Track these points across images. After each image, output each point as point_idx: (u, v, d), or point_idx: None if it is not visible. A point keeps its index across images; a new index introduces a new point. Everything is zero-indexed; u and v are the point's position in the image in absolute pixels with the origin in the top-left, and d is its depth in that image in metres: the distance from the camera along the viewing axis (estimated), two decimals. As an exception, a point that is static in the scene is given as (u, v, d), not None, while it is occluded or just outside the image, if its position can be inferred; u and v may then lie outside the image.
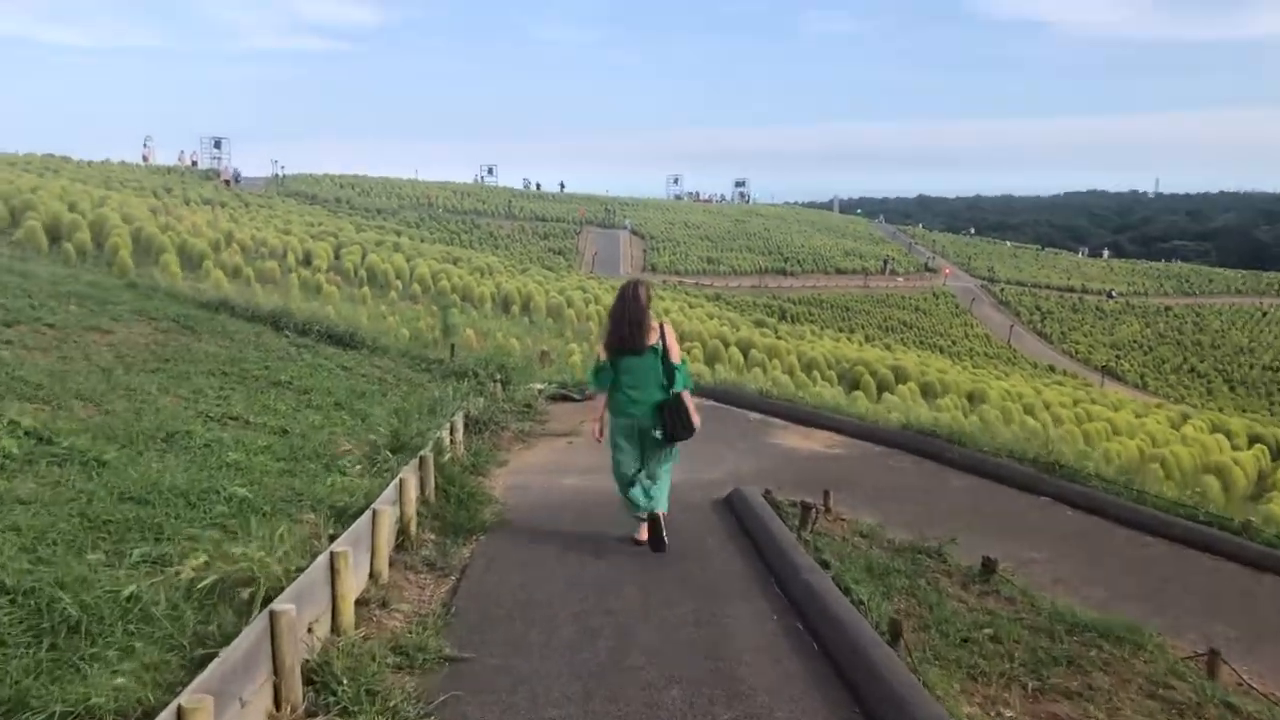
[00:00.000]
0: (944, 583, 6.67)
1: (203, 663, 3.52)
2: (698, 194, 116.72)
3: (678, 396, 6.52)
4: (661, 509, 6.66)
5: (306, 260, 29.57)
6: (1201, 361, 66.47)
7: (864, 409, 12.10)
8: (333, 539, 5.28)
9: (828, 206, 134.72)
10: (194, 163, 74.98)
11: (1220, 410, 43.93)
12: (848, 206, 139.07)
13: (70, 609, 3.79)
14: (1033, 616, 6.11)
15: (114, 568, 4.38)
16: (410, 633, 4.96)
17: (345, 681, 4.08)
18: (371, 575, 5.63)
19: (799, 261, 75.65)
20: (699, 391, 9.19)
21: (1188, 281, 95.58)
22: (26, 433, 6.04)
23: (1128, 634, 5.85)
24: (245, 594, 4.24)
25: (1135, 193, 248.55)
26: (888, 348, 42.64)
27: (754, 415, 11.61)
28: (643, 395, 6.54)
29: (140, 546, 4.67)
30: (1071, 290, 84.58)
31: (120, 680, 3.42)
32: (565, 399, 12.63)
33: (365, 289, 27.33)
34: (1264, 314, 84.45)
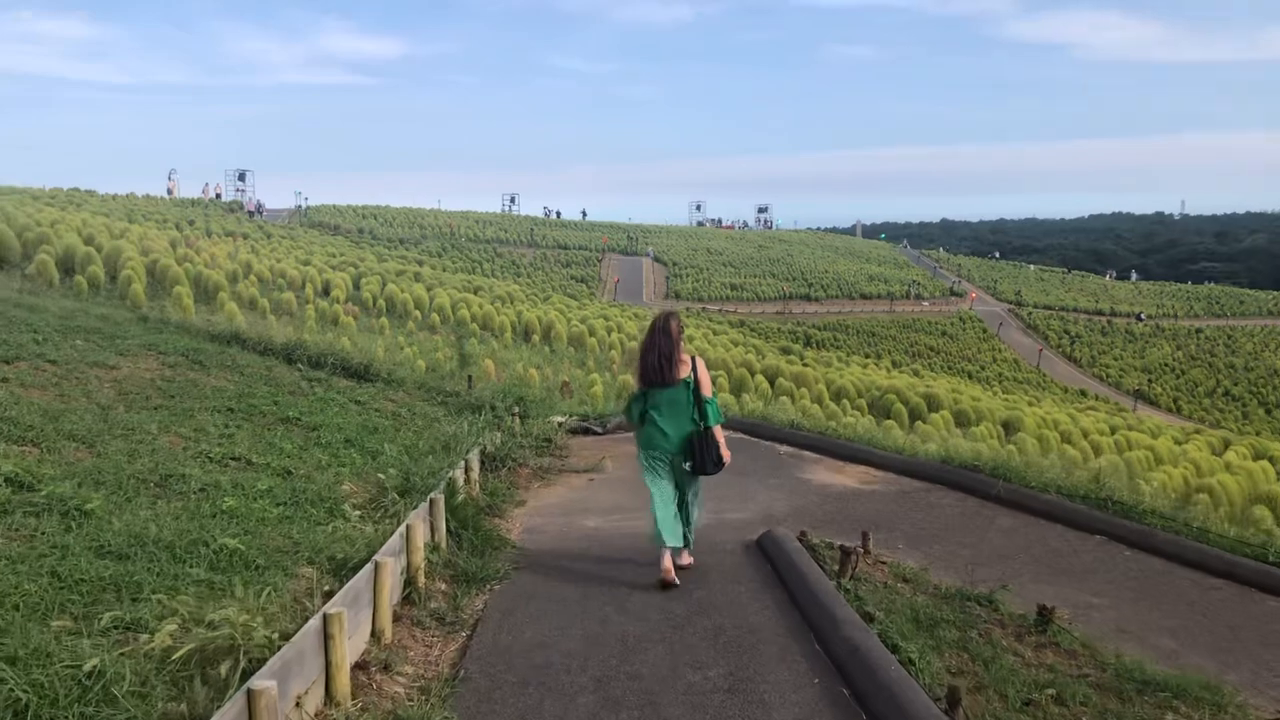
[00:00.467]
0: (997, 634, 6.12)
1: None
2: (720, 220, 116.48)
3: (708, 429, 6.52)
4: (690, 547, 6.74)
5: (325, 291, 29.29)
6: (1235, 385, 65.23)
7: (900, 441, 11.51)
8: (329, 596, 4.82)
9: (850, 231, 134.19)
10: (218, 195, 75.37)
11: (1258, 434, 42.91)
12: (870, 231, 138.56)
13: (19, 690, 3.33)
14: (1098, 673, 5.55)
15: (81, 636, 3.92)
16: (412, 701, 4.48)
17: (334, 768, 3.60)
18: (373, 634, 5.16)
19: (823, 287, 75.05)
20: (727, 423, 8.72)
21: (1218, 303, 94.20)
22: (6, 479, 5.61)
23: (1205, 693, 5.29)
24: (223, 668, 3.76)
25: (1160, 214, 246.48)
26: (916, 373, 41.94)
27: (784, 448, 11.09)
28: (673, 429, 6.55)
29: (113, 610, 4.21)
30: (1100, 313, 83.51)
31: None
32: (586, 432, 12.16)
33: (383, 319, 26.99)
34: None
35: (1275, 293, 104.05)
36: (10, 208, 27.68)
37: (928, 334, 67.29)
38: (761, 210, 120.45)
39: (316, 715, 4.10)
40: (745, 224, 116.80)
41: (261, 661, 3.81)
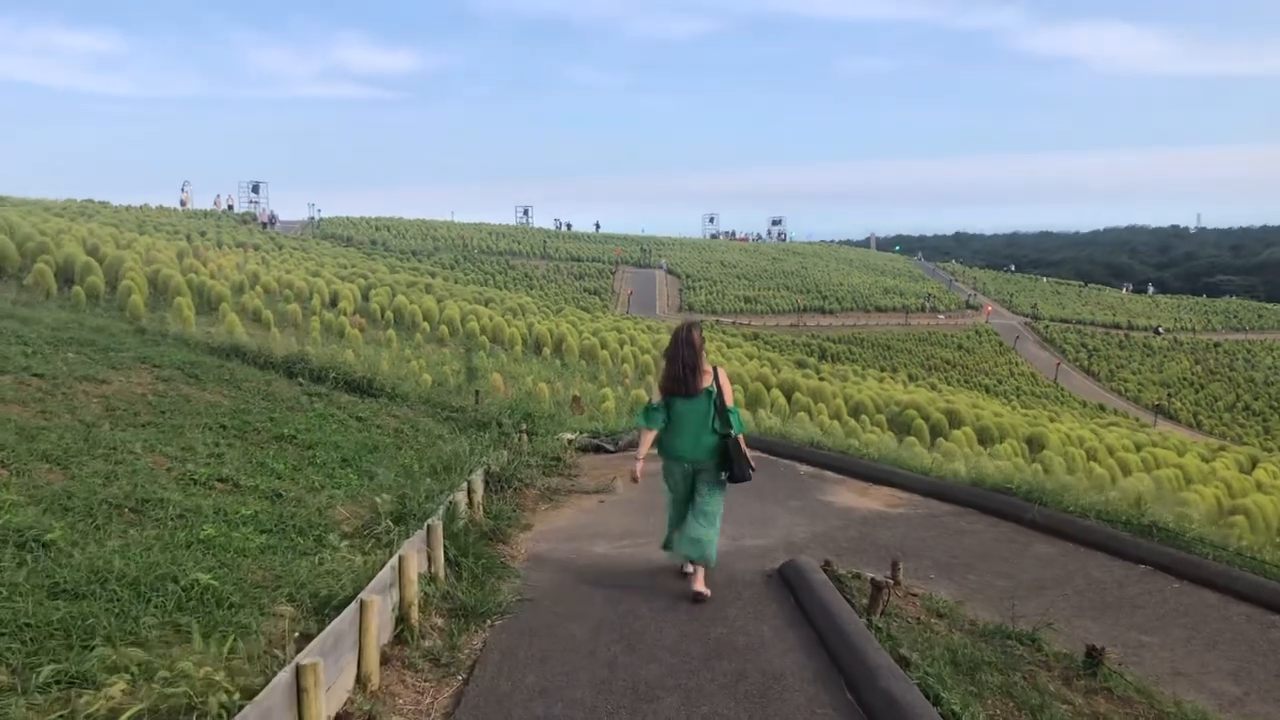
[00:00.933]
0: (1043, 678, 5.59)
1: None
2: (734, 233, 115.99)
3: (735, 439, 6.50)
4: (709, 555, 6.57)
5: (332, 302, 28.86)
6: (1256, 399, 64.37)
7: (925, 461, 10.98)
8: (307, 639, 4.33)
9: (864, 244, 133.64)
10: (230, 206, 75.33)
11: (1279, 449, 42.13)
12: (884, 244, 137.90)
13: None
14: (1159, 725, 5.03)
15: (15, 693, 3.44)
16: (397, 762, 3.99)
17: None
18: (359, 680, 4.66)
19: (838, 300, 74.45)
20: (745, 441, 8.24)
21: (1236, 317, 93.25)
22: (-39, 506, 5.16)
23: (1280, 749, 4.76)
24: (174, 734, 3.28)
25: (1176, 228, 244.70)
26: (933, 387, 41.31)
27: (804, 468, 10.57)
28: (694, 438, 6.52)
29: (58, 661, 3.73)
30: (1117, 327, 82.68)
31: None
32: (598, 450, 11.66)
33: (390, 331, 26.53)
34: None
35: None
36: (16, 218, 27.39)
37: (944, 347, 66.61)
38: (775, 222, 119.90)
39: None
40: (759, 236, 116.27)
41: (221, 725, 3.33)
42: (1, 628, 3.93)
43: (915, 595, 6.85)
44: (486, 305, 35.53)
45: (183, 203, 72.55)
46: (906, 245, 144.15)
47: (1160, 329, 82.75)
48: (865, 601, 6.41)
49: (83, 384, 9.54)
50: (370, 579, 5.13)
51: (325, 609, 4.84)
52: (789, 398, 27.21)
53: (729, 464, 6.49)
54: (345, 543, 5.86)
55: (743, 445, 6.58)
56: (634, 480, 6.77)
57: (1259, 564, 7.41)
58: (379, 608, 4.82)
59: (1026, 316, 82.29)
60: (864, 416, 25.66)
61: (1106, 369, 67.97)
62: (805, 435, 12.27)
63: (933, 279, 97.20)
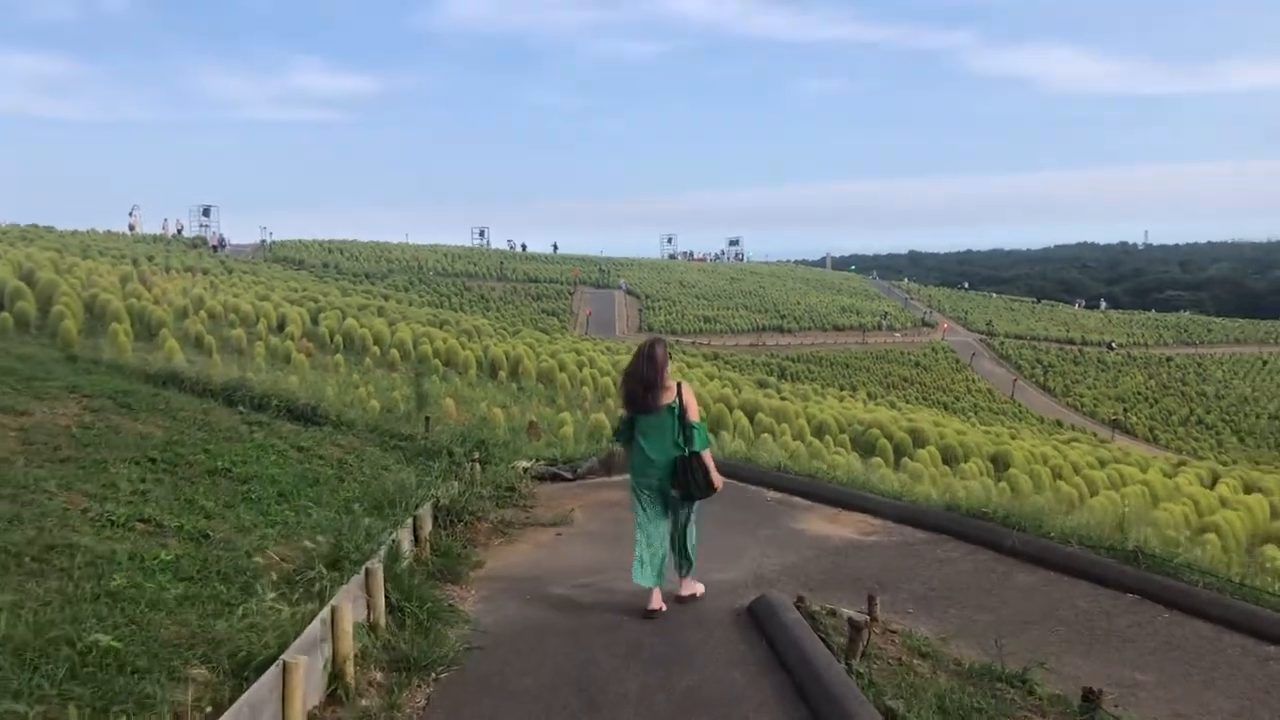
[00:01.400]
0: (1037, 724, 5.17)
1: None
2: (691, 253, 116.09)
3: (695, 454, 6.43)
4: (692, 573, 6.74)
5: (279, 327, 28.03)
6: (1208, 413, 65.15)
7: (892, 482, 10.58)
8: (219, 712, 3.79)
9: (820, 264, 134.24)
10: (179, 230, 74.02)
11: (1235, 463, 42.48)
12: (840, 263, 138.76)
13: None
14: (1165, 776, 4.60)
15: None
16: None
17: None
18: (282, 753, 4.13)
19: (796, 319, 74.53)
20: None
21: (1186, 331, 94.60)
22: None
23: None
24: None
25: (1125, 244, 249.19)
26: (892, 405, 41.18)
27: (771, 494, 10.11)
28: (658, 455, 6.46)
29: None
30: (1071, 342, 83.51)
31: None
32: (555, 478, 11.14)
33: (339, 356, 25.76)
34: (1264, 363, 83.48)
35: (1241, 320, 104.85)
36: (-54, 243, 26.38)
37: (901, 365, 66.82)
38: (733, 243, 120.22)
39: None
40: (717, 256, 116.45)
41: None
42: None
43: (894, 632, 6.41)
44: (441, 328, 34.83)
45: (131, 227, 71.11)
46: (861, 264, 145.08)
47: (1113, 344, 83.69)
48: (841, 639, 5.98)
49: (-1, 417, 8.89)
50: (298, 634, 4.60)
51: (245, 671, 4.30)
52: (751, 419, 26.82)
53: (678, 481, 6.43)
54: (274, 592, 5.29)
55: (708, 459, 6.50)
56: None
57: (1250, 590, 7.05)
58: (306, 669, 4.28)
59: (982, 333, 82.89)
60: (827, 436, 25.32)
61: (1062, 384, 68.50)
62: (771, 458, 11.83)
63: (888, 297, 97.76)
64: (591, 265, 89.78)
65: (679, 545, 6.69)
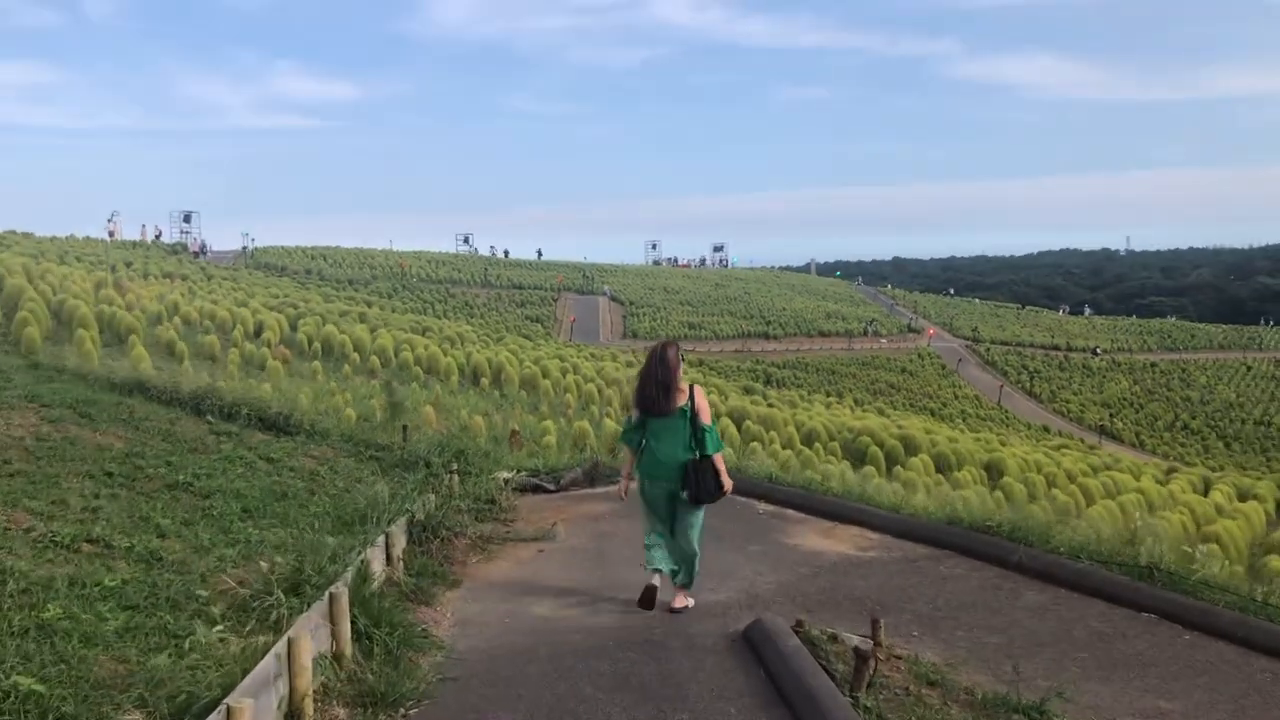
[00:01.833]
0: (1061, 762, 4.76)
1: None
2: (676, 259, 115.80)
3: (706, 458, 6.42)
4: (693, 586, 6.66)
5: (256, 333, 27.40)
6: (1193, 418, 65.20)
7: (888, 493, 10.15)
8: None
9: (805, 270, 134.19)
10: (158, 236, 73.24)
11: (1222, 469, 42.35)
12: (824, 269, 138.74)
13: None
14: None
15: None
16: None
17: None
18: (225, 809, 3.66)
19: (781, 325, 74.27)
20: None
21: (1170, 337, 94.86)
22: None
23: None
24: None
25: (1107, 250, 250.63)
26: (880, 411, 40.86)
27: (763, 506, 9.67)
28: (669, 457, 6.45)
29: None
30: (1056, 348, 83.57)
31: None
32: (537, 489, 10.67)
33: (316, 363, 25.16)
34: (1248, 368, 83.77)
35: (1225, 326, 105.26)
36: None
37: (887, 371, 66.65)
38: (717, 249, 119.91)
39: None
40: (701, 261, 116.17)
41: None
42: None
43: (899, 658, 5.98)
44: (424, 334, 34.28)
45: (111, 234, 70.26)
46: (846, 270, 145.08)
47: (1098, 350, 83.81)
48: (841, 666, 5.56)
49: (-53, 428, 8.40)
50: (247, 672, 4.13)
51: (185, 716, 3.84)
52: (739, 426, 26.37)
53: (688, 484, 6.38)
54: (226, 621, 4.82)
55: (719, 462, 6.49)
56: (621, 497, 6.86)
57: (1275, 610, 6.65)
58: (254, 712, 3.83)
59: (968, 339, 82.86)
60: (817, 445, 24.91)
61: (1048, 390, 68.45)
62: (762, 468, 11.40)
63: (874, 303, 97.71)
64: (576, 271, 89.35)
65: (683, 557, 6.62)
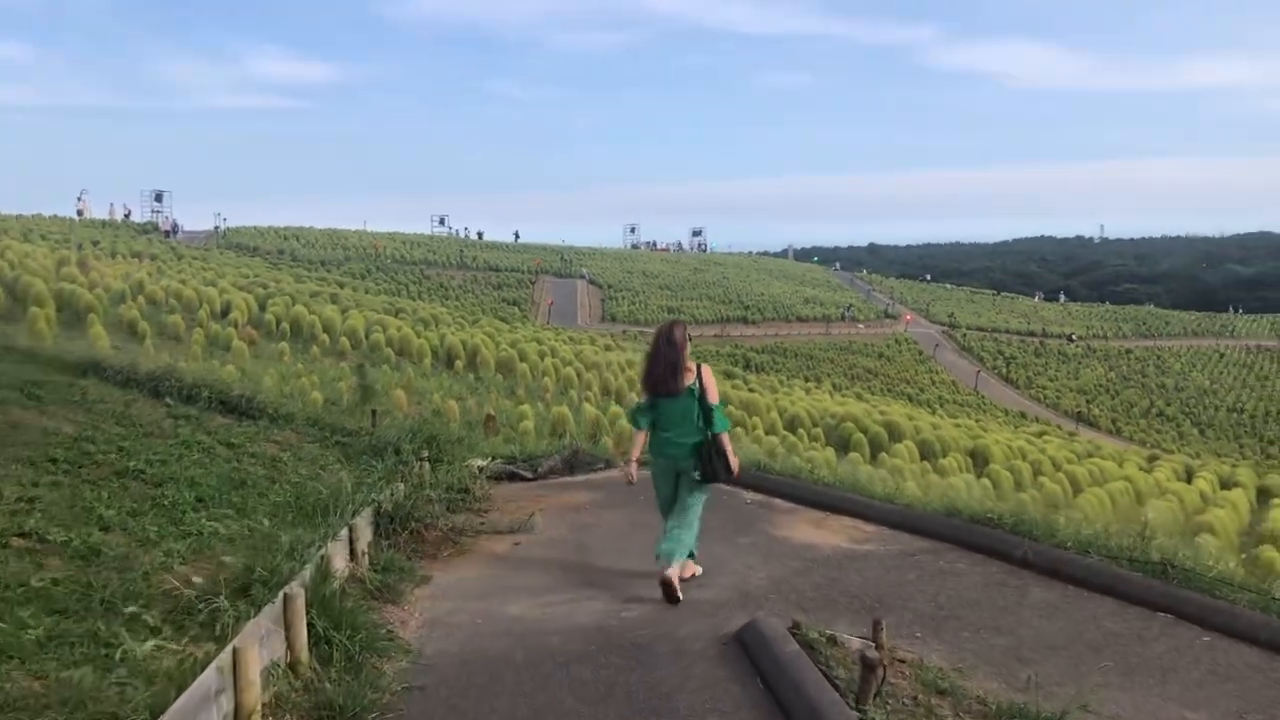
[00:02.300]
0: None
1: None
2: (655, 243, 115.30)
3: (716, 438, 6.43)
4: (678, 558, 6.37)
5: (224, 313, 26.63)
6: (1168, 405, 65.51)
7: (877, 482, 9.70)
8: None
9: (783, 255, 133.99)
10: (127, 215, 72.03)
11: (1198, 456, 42.42)
12: (802, 255, 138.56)
13: None
14: None
15: None
16: None
17: None
18: None
19: (759, 310, 73.98)
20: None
21: (1144, 324, 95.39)
22: None
23: None
24: None
25: (1081, 238, 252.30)
26: (859, 397, 40.58)
27: (750, 495, 9.22)
28: (679, 437, 6.46)
29: None
30: (1032, 334, 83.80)
31: None
32: (513, 477, 10.19)
33: (284, 344, 24.43)
34: (1221, 355, 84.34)
35: (1198, 313, 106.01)
36: None
37: (865, 356, 66.53)
38: (696, 233, 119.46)
39: None
40: (679, 246, 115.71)
41: None
42: None
43: (903, 662, 5.55)
44: (396, 316, 33.59)
45: (80, 212, 69.01)
46: (823, 256, 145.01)
47: (1073, 336, 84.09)
48: (843, 673, 5.13)
49: (-123, 410, 7.81)
50: (183, 689, 3.64)
51: (109, 744, 3.34)
52: (719, 411, 25.81)
53: (699, 463, 6.41)
54: (168, 626, 4.30)
55: (726, 444, 6.49)
56: (629, 482, 6.88)
57: (1295, 609, 6.26)
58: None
59: (944, 325, 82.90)
60: (801, 431, 24.49)
61: (1024, 376, 68.55)
62: (747, 456, 10.93)
63: (851, 289, 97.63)
64: (553, 255, 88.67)
65: (679, 534, 6.56)
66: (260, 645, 4.29)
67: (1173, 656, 5.82)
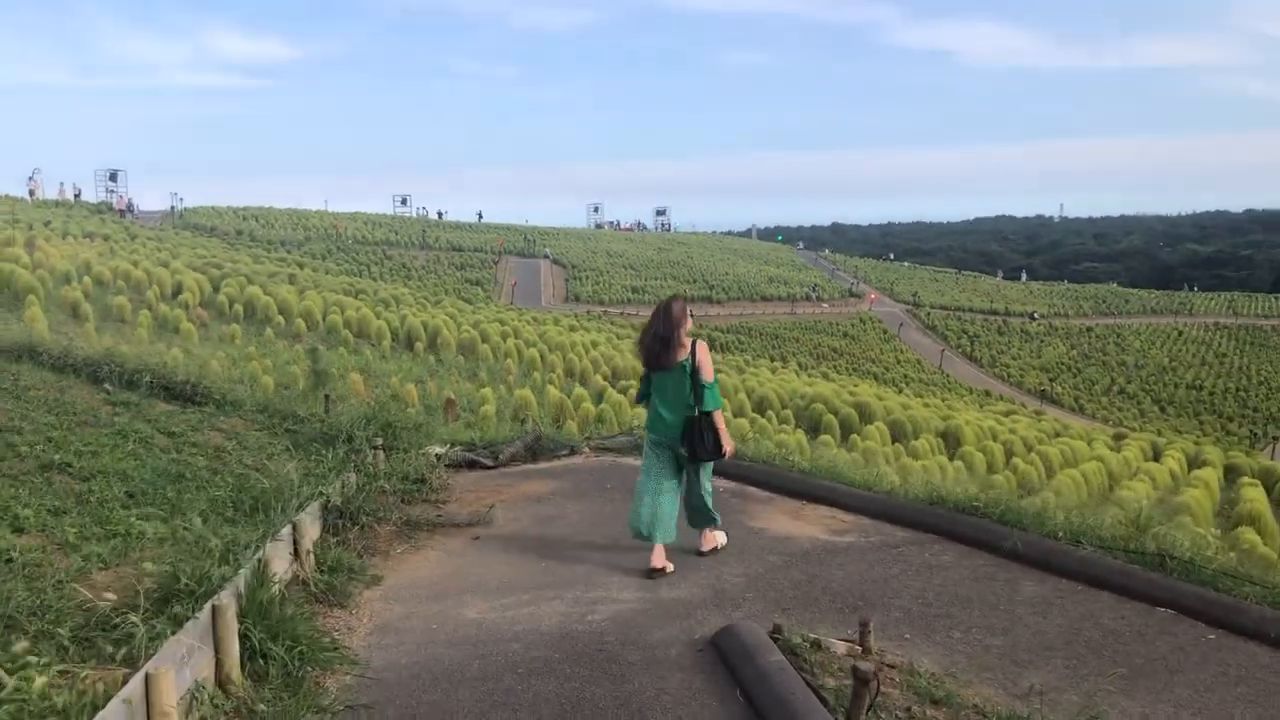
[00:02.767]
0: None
1: None
2: (618, 223, 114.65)
3: (706, 415, 6.39)
4: (660, 534, 6.42)
5: (174, 294, 25.75)
6: (1129, 383, 65.99)
7: (863, 472, 9.25)
8: None
9: (746, 234, 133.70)
10: (77, 195, 70.30)
11: (1160, 433, 42.64)
12: (765, 235, 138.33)
13: None
14: None
15: None
16: None
17: None
18: None
19: (724, 289, 73.63)
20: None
21: (1105, 302, 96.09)
22: None
23: None
24: None
25: (1041, 217, 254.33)
26: (825, 376, 40.35)
27: (723, 483, 8.77)
28: (671, 413, 6.44)
29: None
30: (995, 313, 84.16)
31: None
32: (473, 465, 9.68)
33: (236, 326, 23.64)
34: (1180, 333, 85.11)
35: (1157, 292, 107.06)
36: None
37: (830, 335, 66.44)
38: (660, 213, 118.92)
39: None
40: (642, 225, 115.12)
41: None
42: None
43: (892, 667, 5.15)
44: (356, 297, 32.80)
45: (31, 192, 67.21)
46: (786, 235, 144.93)
47: (1035, 314, 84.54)
48: (830, 681, 4.73)
49: None
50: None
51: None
52: (686, 393, 25.35)
53: (687, 440, 6.37)
54: (49, 669, 3.76)
55: (718, 421, 6.45)
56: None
57: (1299, 602, 5.92)
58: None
59: (908, 304, 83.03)
60: (770, 412, 24.10)
61: (988, 355, 68.80)
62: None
63: (815, 268, 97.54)
64: (516, 234, 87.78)
65: (697, 505, 6.71)
66: (183, 666, 3.81)
67: (1178, 657, 5.46)
